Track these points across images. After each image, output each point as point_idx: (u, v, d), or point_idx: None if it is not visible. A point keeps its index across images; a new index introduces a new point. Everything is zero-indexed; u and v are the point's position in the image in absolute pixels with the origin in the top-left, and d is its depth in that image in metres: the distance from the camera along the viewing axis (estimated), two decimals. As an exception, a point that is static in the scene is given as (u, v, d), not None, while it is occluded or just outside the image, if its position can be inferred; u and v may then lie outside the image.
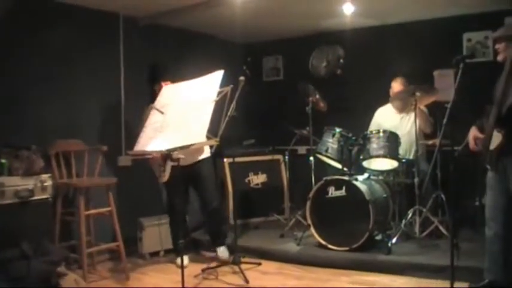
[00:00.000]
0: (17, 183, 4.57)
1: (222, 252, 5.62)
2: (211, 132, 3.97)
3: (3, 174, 4.57)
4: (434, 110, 5.77)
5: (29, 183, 4.65)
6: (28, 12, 5.15)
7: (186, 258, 5.52)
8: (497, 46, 3.90)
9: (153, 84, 5.43)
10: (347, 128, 5.84)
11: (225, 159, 6.98)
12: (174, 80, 5.09)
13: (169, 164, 5.08)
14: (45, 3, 5.28)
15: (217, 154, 6.41)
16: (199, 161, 5.51)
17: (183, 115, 3.95)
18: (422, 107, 5.82)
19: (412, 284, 4.64)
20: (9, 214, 4.44)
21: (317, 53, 7.67)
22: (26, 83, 5.13)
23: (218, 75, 4.04)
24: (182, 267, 4.00)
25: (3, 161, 4.60)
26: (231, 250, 5.55)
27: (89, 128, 5.60)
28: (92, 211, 5.12)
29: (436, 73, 6.66)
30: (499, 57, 3.87)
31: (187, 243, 5.55)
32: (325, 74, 7.55)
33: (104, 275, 5.27)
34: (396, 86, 6.08)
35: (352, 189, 5.36)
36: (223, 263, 5.40)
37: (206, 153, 5.57)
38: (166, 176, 5.10)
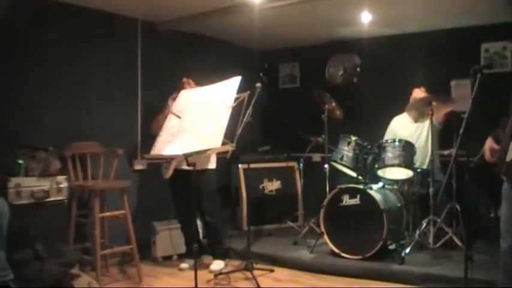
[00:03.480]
0: (33, 184, 4.63)
1: (216, 265, 5.57)
2: (227, 137, 3.99)
3: (20, 175, 4.63)
4: (451, 120, 5.75)
5: (45, 184, 4.71)
6: (47, 15, 5.21)
7: (189, 263, 5.58)
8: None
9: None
10: (362, 136, 5.83)
11: (239, 165, 6.99)
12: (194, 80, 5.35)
13: (174, 163, 5.15)
14: (64, 7, 5.34)
15: (233, 160, 6.42)
16: (203, 171, 5.47)
17: (199, 120, 3.97)
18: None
19: (425, 295, 4.62)
20: (25, 215, 4.48)
21: (334, 61, 7.66)
22: (44, 85, 5.19)
23: (235, 81, 4.05)
24: (196, 271, 4.01)
25: (20, 161, 4.66)
26: (243, 257, 5.56)
27: (105, 131, 5.62)
28: (107, 214, 5.14)
29: (453, 83, 6.63)
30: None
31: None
32: (342, 82, 7.55)
33: (117, 277, 5.29)
34: (418, 92, 6.05)
35: (367, 197, 5.35)
36: (236, 268, 5.41)
37: (210, 164, 5.57)
38: (169, 173, 5.17)
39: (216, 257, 5.64)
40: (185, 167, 5.26)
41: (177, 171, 5.29)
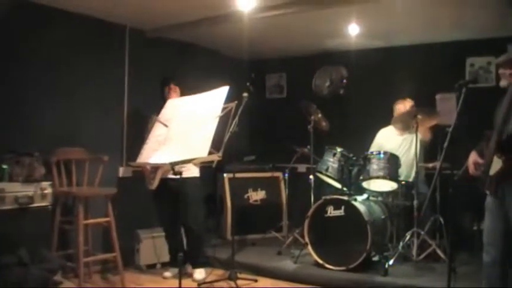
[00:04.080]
0: (17, 189, 4.59)
1: (199, 273, 5.57)
2: (214, 147, 3.99)
3: (4, 180, 4.59)
4: (436, 134, 5.79)
5: (29, 190, 4.67)
6: (34, 20, 5.19)
7: (172, 271, 5.59)
8: (501, 71, 3.91)
9: (163, 87, 5.63)
10: (348, 148, 5.85)
11: (225, 175, 6.99)
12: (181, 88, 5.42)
13: (160, 173, 5.14)
14: (52, 11, 5.32)
15: (218, 169, 6.42)
16: (185, 178, 5.30)
17: (186, 129, 3.96)
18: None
19: (408, 307, 4.63)
20: (8, 220, 4.45)
21: (321, 73, 7.70)
22: (30, 90, 5.16)
23: (223, 91, 4.06)
24: (180, 279, 3.99)
25: (4, 166, 4.62)
26: (227, 266, 5.55)
27: (91, 137, 5.60)
28: (91, 221, 5.12)
29: (438, 97, 6.68)
30: (502, 83, 3.89)
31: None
32: (328, 93, 7.59)
33: (100, 285, 5.26)
34: (401, 107, 6.10)
35: (351, 209, 5.36)
36: (219, 278, 5.39)
37: (193, 172, 5.56)
38: (155, 184, 5.17)
39: (197, 265, 5.63)
40: (170, 175, 5.29)
41: (161, 180, 5.29)
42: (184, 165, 4.90)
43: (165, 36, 6.59)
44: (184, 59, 6.89)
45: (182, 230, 5.72)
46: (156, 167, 5.14)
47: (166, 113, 4.35)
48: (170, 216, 5.50)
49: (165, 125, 4.12)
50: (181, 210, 5.40)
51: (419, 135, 5.67)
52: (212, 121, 3.89)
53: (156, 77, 6.17)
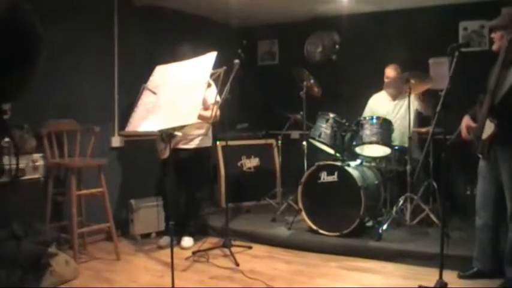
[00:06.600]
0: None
1: (187, 242, 5.59)
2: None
3: (-6, 153, 4.55)
4: (428, 98, 5.76)
5: (21, 162, 4.64)
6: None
7: (167, 240, 5.52)
8: (492, 35, 3.90)
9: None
10: (341, 113, 5.82)
11: (217, 142, 6.97)
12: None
13: (171, 142, 5.16)
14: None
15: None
16: (199, 149, 5.50)
17: (175, 96, 3.93)
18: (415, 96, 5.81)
19: (402, 271, 4.65)
20: (0, 193, 4.43)
21: (313, 38, 7.64)
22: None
23: (211, 56, 4.02)
24: (172, 248, 3.98)
25: (-7, 139, 4.58)
26: (221, 234, 5.57)
27: (81, 108, 5.55)
28: (84, 191, 5.11)
29: (431, 61, 6.65)
30: (494, 47, 3.87)
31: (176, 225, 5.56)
32: (320, 59, 7.54)
33: (95, 255, 5.26)
34: (389, 72, 6.05)
35: (344, 175, 5.36)
36: (214, 245, 5.41)
37: (205, 142, 5.59)
38: (166, 153, 5.18)
39: (186, 234, 5.65)
40: (182, 145, 5.29)
41: (172, 150, 5.30)
42: (197, 135, 4.97)
43: (155, 4, 6.49)
44: (174, 27, 6.79)
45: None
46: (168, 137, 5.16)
47: (154, 80, 4.31)
48: (173, 185, 5.48)
49: (154, 93, 4.08)
50: (188, 179, 5.44)
51: (420, 105, 5.67)
52: (201, 87, 3.86)
53: (146, 45, 6.10)
